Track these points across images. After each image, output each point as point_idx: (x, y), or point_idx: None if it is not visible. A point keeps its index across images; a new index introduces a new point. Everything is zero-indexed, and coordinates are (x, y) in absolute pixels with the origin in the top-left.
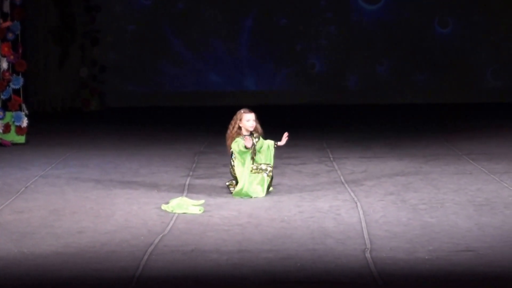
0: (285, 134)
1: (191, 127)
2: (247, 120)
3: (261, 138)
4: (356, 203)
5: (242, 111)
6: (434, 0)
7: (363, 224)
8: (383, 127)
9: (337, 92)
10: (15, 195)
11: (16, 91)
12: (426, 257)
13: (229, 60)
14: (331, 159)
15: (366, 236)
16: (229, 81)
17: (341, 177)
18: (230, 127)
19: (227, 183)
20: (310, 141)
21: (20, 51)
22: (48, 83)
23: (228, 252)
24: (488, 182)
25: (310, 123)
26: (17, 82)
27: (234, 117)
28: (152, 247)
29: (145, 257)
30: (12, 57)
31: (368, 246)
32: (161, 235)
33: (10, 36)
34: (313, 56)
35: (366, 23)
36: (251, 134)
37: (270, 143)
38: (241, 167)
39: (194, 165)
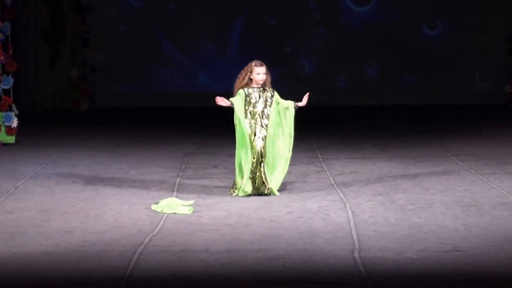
0: (307, 94)
1: (181, 128)
2: (257, 73)
3: (277, 94)
4: (345, 203)
5: (253, 63)
6: (422, 3)
7: (352, 224)
8: (372, 128)
9: (327, 93)
10: (5, 195)
11: (6, 91)
12: (414, 257)
13: (219, 61)
14: (320, 159)
15: (354, 236)
16: (219, 82)
17: (330, 178)
18: (240, 77)
19: (231, 191)
20: (300, 142)
21: (11, 51)
22: (39, 84)
23: (217, 252)
24: (476, 183)
25: (300, 124)
26: (8, 82)
27: (245, 68)
28: (142, 247)
29: (135, 257)
30: (2, 57)
31: (357, 246)
32: (150, 235)
33: (0, 36)
34: (303, 58)
35: (355, 25)
36: (263, 88)
37: (290, 103)
38: (239, 127)
39: (184, 165)
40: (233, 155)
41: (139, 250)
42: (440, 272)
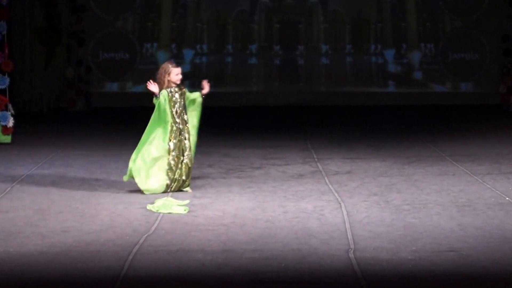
0: (205, 81)
1: None
2: (176, 74)
3: (187, 91)
4: (340, 203)
5: (170, 66)
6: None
7: (347, 225)
8: (367, 128)
9: (322, 93)
10: (1, 194)
11: (2, 91)
12: (409, 257)
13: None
14: (316, 159)
15: (349, 236)
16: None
17: (325, 178)
18: (159, 80)
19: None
20: (294, 142)
21: (7, 51)
22: (34, 83)
23: (212, 252)
24: (470, 183)
25: (294, 124)
26: (3, 82)
27: (161, 71)
28: (137, 247)
29: (130, 257)
30: None
31: (352, 246)
32: (146, 235)
33: None
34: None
35: (352, 23)
36: (178, 87)
37: (197, 95)
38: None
39: None
40: (228, 155)
41: (134, 250)
42: (435, 273)
